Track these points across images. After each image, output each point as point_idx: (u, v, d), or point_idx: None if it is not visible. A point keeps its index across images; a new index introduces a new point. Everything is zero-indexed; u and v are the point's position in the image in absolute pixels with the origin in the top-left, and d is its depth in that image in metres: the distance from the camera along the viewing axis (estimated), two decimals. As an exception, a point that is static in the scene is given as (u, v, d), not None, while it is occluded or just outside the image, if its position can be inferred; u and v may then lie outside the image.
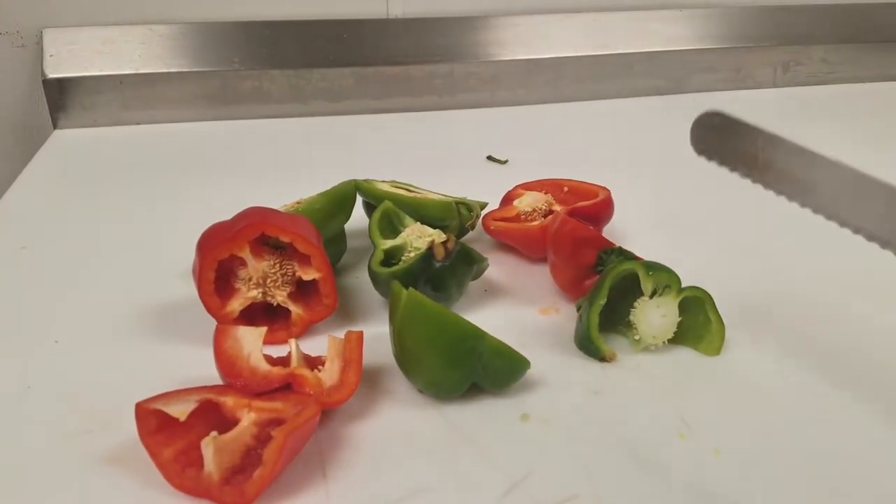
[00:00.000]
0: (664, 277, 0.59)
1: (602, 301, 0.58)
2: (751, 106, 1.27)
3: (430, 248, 0.62)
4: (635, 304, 0.60)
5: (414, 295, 0.53)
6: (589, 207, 0.73)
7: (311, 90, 1.21)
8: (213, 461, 0.45)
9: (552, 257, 0.67)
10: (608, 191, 0.76)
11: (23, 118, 1.17)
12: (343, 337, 0.56)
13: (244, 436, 0.47)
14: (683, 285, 0.59)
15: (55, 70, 1.11)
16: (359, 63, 1.22)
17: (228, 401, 0.48)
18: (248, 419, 0.47)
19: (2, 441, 0.51)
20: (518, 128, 1.19)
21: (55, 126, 1.13)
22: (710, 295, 0.60)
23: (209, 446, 0.45)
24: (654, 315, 0.59)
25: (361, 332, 0.55)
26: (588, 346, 0.59)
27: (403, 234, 0.67)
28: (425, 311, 0.53)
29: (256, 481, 0.45)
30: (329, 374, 0.52)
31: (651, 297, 0.59)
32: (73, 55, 1.12)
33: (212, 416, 0.48)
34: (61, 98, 1.11)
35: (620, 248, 0.64)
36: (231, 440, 0.46)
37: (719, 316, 0.60)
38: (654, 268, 0.59)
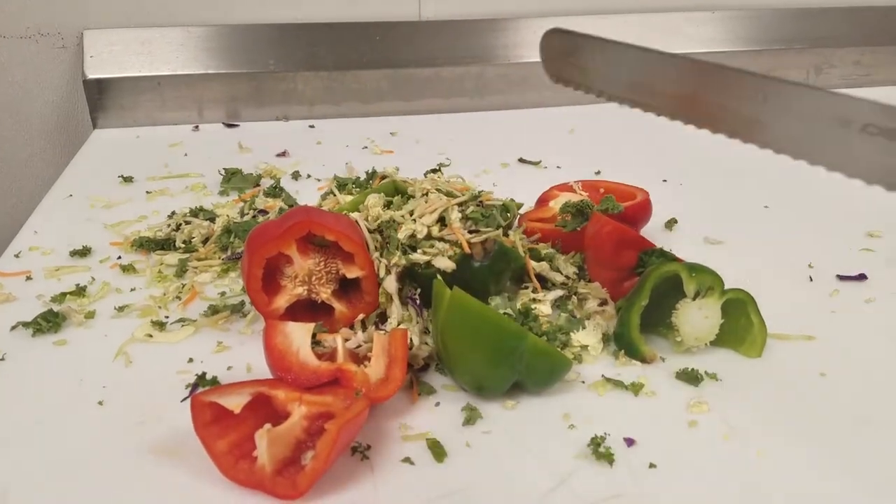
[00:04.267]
0: (707, 279, 0.59)
1: (643, 302, 0.59)
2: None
3: (470, 247, 0.63)
4: (677, 305, 0.60)
5: (458, 294, 0.54)
6: (627, 209, 0.73)
7: (344, 92, 1.22)
8: (266, 453, 0.46)
9: (592, 258, 0.67)
10: (646, 192, 0.76)
11: (63, 118, 1.19)
12: (387, 334, 0.56)
13: (295, 429, 0.48)
14: (725, 287, 0.60)
15: (95, 71, 1.13)
16: (391, 65, 1.23)
17: (280, 394, 0.49)
18: (298, 413, 0.48)
19: (59, 431, 0.53)
20: (549, 129, 1.19)
21: (95, 126, 1.15)
22: (752, 297, 0.60)
23: (263, 438, 0.46)
24: (697, 317, 0.59)
25: (406, 330, 0.56)
26: (629, 346, 0.60)
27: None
28: (469, 311, 0.54)
29: (309, 473, 0.46)
30: (375, 370, 0.53)
31: (694, 298, 0.60)
32: (112, 56, 1.14)
33: (263, 409, 0.49)
34: (101, 98, 1.14)
35: (661, 250, 0.64)
36: (283, 432, 0.47)
37: (761, 318, 0.60)
38: (697, 269, 0.59)
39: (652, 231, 0.80)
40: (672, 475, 0.49)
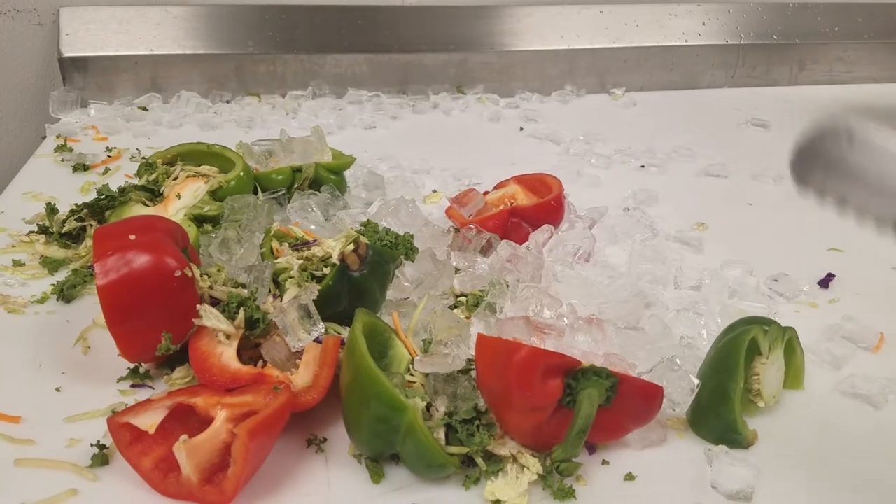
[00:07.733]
0: (775, 330, 0.55)
1: (742, 383, 0.53)
2: (766, 104, 1.26)
3: (343, 260, 0.60)
4: (757, 370, 0.54)
5: (356, 350, 0.50)
6: (537, 206, 0.74)
7: (325, 75, 1.21)
8: (188, 464, 0.46)
9: (504, 404, 0.49)
10: (560, 183, 0.77)
11: (38, 96, 1.18)
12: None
13: (219, 434, 0.48)
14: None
15: (71, 49, 1.12)
16: (373, 49, 1.22)
17: (199, 401, 0.49)
18: (220, 417, 0.48)
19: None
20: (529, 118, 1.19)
21: (70, 105, 1.15)
22: (794, 330, 0.57)
23: (181, 450, 0.46)
24: (774, 373, 0.55)
25: (340, 338, 0.56)
26: (732, 437, 0.53)
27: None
28: (360, 369, 0.49)
29: (231, 479, 0.46)
30: (302, 378, 0.53)
31: (767, 356, 0.55)
32: (89, 34, 1.13)
33: (188, 417, 0.49)
34: (76, 77, 1.13)
35: (592, 366, 0.50)
36: (204, 441, 0.47)
37: (801, 350, 0.58)
38: (765, 322, 0.55)
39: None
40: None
